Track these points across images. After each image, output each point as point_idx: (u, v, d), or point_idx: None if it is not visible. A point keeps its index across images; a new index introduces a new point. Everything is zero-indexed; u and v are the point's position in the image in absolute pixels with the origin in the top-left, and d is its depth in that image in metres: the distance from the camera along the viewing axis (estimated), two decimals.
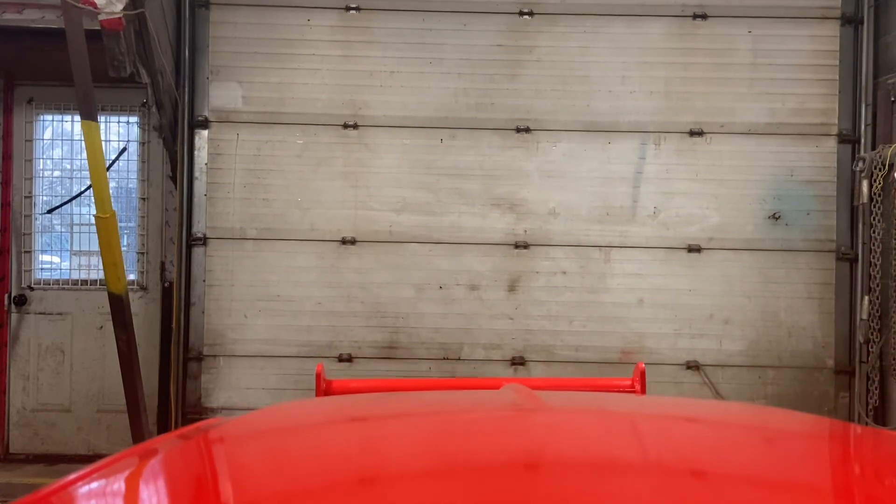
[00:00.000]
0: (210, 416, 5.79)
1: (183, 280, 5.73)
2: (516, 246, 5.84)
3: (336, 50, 5.82)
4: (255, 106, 5.80)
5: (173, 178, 5.82)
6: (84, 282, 6.18)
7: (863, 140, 5.75)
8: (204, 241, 5.79)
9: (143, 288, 6.08)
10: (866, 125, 5.73)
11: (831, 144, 5.82)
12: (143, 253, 6.10)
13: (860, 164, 5.61)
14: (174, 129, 5.70)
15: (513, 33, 5.84)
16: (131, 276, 6.00)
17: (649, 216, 5.85)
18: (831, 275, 5.81)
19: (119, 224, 4.83)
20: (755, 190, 5.84)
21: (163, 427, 5.77)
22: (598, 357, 5.83)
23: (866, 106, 5.72)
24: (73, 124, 6.19)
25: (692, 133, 5.81)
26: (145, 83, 5.32)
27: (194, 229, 5.79)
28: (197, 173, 5.79)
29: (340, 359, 5.79)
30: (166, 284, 5.91)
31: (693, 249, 5.83)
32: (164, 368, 5.86)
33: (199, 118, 5.79)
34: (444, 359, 5.83)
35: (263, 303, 5.82)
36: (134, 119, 6.17)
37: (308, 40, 5.81)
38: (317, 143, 5.82)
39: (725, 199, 5.84)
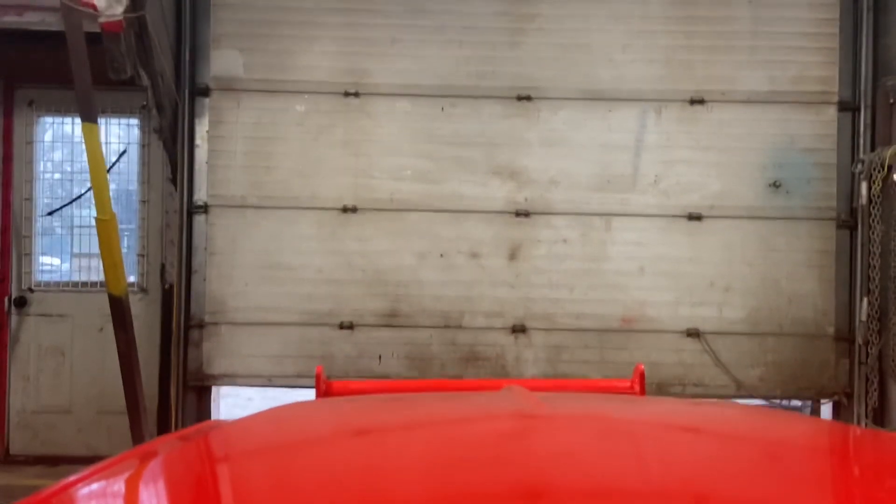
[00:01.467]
0: (212, 383, 5.81)
1: (184, 247, 5.74)
2: (517, 214, 5.85)
3: (337, 17, 5.83)
4: (256, 74, 5.81)
5: (173, 181, 5.80)
6: (84, 284, 6.15)
7: (862, 108, 5.76)
8: (205, 208, 5.80)
9: (144, 290, 6.06)
10: (866, 92, 5.74)
11: (831, 112, 5.83)
12: (143, 255, 6.09)
13: (859, 165, 5.61)
14: (174, 132, 5.69)
15: (514, 2, 5.85)
16: (131, 279, 5.99)
17: (650, 184, 5.86)
18: (832, 242, 5.83)
19: (119, 226, 4.84)
20: (756, 158, 5.85)
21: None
22: (598, 325, 5.84)
23: (866, 73, 5.73)
24: (73, 126, 6.17)
25: (693, 101, 5.82)
26: (145, 85, 5.32)
27: (195, 197, 5.80)
28: (198, 141, 5.80)
29: (341, 326, 5.79)
30: (166, 286, 5.89)
31: (694, 217, 5.84)
32: (165, 366, 5.85)
33: (201, 86, 5.79)
34: (446, 326, 5.84)
35: (265, 271, 5.82)
36: (134, 121, 6.16)
37: (309, 8, 5.82)
38: (318, 112, 5.83)
39: (726, 168, 5.85)
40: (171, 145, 5.73)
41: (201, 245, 5.81)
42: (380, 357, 5.81)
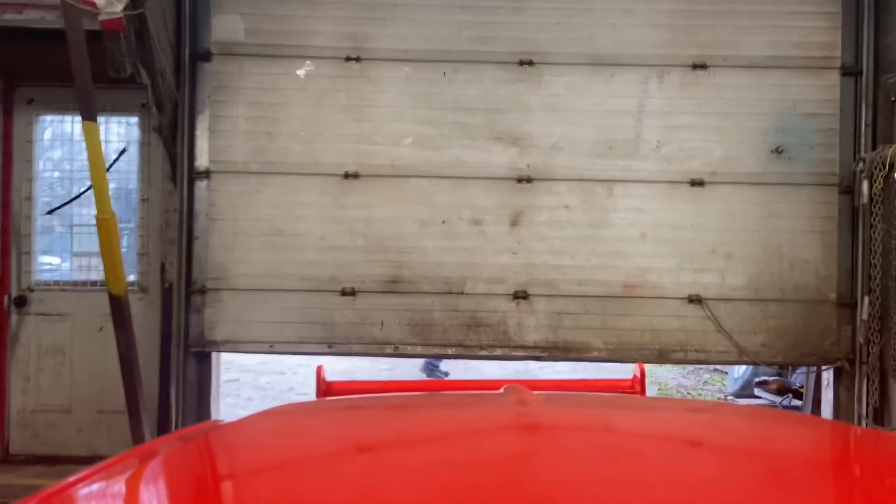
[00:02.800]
0: (214, 349, 5.81)
1: (185, 213, 5.72)
2: (519, 180, 5.84)
3: None
4: (257, 38, 5.78)
5: (173, 179, 5.78)
6: (84, 283, 6.11)
7: (865, 72, 5.74)
8: (207, 174, 5.78)
9: (144, 289, 6.02)
10: (869, 57, 5.73)
11: (834, 77, 5.81)
12: (143, 254, 6.05)
13: (860, 164, 5.59)
14: (174, 130, 5.67)
15: None
16: (131, 278, 5.97)
17: (652, 150, 5.85)
18: (834, 208, 5.82)
19: (119, 225, 4.82)
20: (758, 123, 5.83)
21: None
22: (600, 291, 5.84)
23: (868, 37, 5.71)
24: (73, 125, 6.13)
25: (695, 66, 5.81)
26: (145, 84, 5.30)
27: (197, 163, 5.79)
28: (199, 106, 5.78)
29: (343, 293, 5.79)
30: (166, 285, 5.86)
31: (696, 183, 5.83)
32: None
33: (202, 51, 5.77)
34: (448, 293, 5.83)
35: (267, 237, 5.81)
36: (134, 120, 6.12)
37: None
38: (319, 77, 5.81)
39: (728, 133, 5.84)
40: (171, 143, 5.70)
41: (203, 211, 5.80)
42: (382, 323, 5.81)
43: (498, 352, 5.85)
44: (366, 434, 1.73)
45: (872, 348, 5.52)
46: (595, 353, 5.85)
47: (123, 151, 6.09)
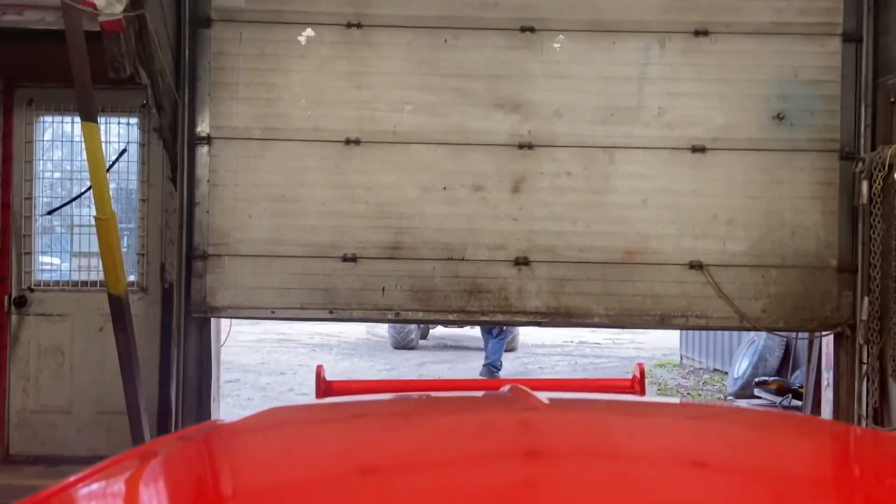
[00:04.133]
0: (215, 315, 5.81)
1: (185, 179, 5.72)
2: (520, 147, 5.84)
3: None
4: (258, 4, 5.77)
5: (173, 180, 5.76)
6: (84, 283, 6.13)
7: (865, 39, 5.74)
8: (207, 140, 5.78)
9: (144, 289, 6.02)
10: (869, 22, 5.72)
11: (836, 44, 5.80)
12: (143, 254, 6.06)
13: (860, 164, 5.58)
14: (174, 131, 5.65)
15: None
16: (131, 278, 5.96)
17: (654, 117, 5.84)
18: (835, 174, 5.82)
19: (119, 225, 4.86)
20: (760, 90, 5.83)
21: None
22: (602, 258, 5.84)
23: (868, 3, 5.70)
24: (73, 126, 6.15)
25: (697, 33, 5.80)
26: (145, 84, 5.29)
27: (198, 128, 5.78)
28: (200, 72, 5.77)
29: (345, 258, 5.79)
30: (166, 286, 5.86)
31: (697, 150, 5.83)
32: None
33: (202, 17, 5.76)
34: (449, 259, 5.84)
35: (268, 203, 5.81)
36: (134, 120, 6.13)
37: None
38: (320, 43, 5.80)
39: (730, 100, 5.83)
40: (170, 144, 5.68)
41: (204, 177, 5.79)
42: (383, 289, 5.81)
43: (499, 317, 5.86)
44: (366, 435, 1.74)
45: (872, 349, 5.49)
46: (596, 319, 5.86)
47: (124, 152, 6.10)
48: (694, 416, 2.02)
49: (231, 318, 6.04)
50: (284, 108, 5.80)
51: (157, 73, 5.30)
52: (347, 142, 5.80)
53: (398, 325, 15.33)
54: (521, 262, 5.82)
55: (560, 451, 1.48)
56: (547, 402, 1.91)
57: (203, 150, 5.78)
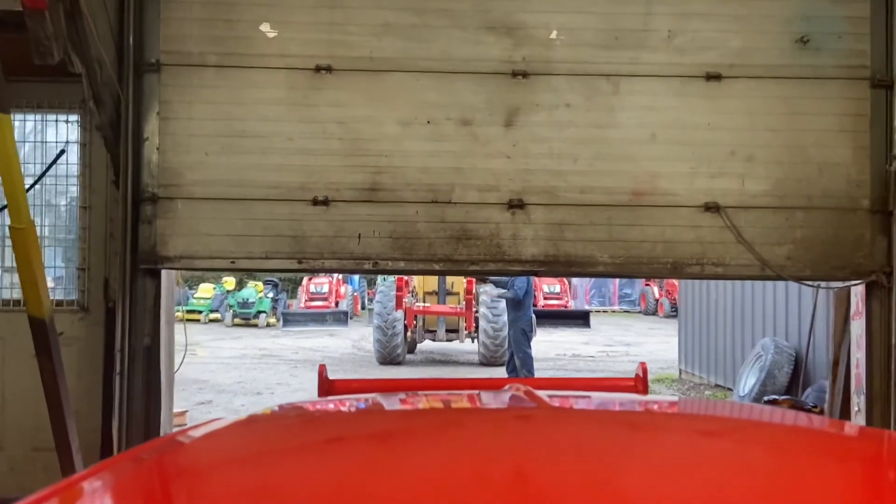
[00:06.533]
0: (167, 266, 5.09)
1: (131, 111, 4.98)
2: (514, 75, 5.17)
3: None
4: None
5: (116, 183, 5.00)
6: (17, 302, 5.23)
7: None
8: (157, 66, 5.05)
9: (85, 309, 5.21)
10: None
11: None
12: (84, 269, 5.23)
13: (894, 163, 5.01)
14: (116, 129, 4.92)
15: None
16: (71, 296, 5.23)
17: (663, 41, 5.20)
18: (865, 105, 5.20)
19: (58, 236, 4.06)
20: (780, 10, 5.20)
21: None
22: (605, 199, 5.18)
23: None
24: None
25: None
26: (79, 73, 4.56)
27: (146, 54, 5.05)
28: None
29: (315, 202, 5.09)
30: (111, 305, 5.09)
31: (712, 77, 5.19)
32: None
33: None
34: (433, 202, 5.15)
35: (227, 139, 5.10)
36: (74, 117, 5.31)
37: None
38: None
39: (748, 21, 5.20)
40: (112, 143, 4.94)
41: (152, 109, 5.06)
42: (359, 236, 5.12)
43: (491, 266, 5.18)
44: (366, 434, 1.72)
45: None
46: (601, 268, 5.19)
47: (62, 153, 5.26)
48: (698, 414, 2.02)
49: (185, 269, 5.32)
50: (245, 30, 5.09)
51: (94, 61, 4.58)
52: (317, 69, 5.10)
53: (383, 339, 14.76)
54: (516, 204, 5.15)
55: (563, 449, 1.47)
56: (550, 400, 1.90)
57: (152, 79, 5.05)
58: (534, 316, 11.86)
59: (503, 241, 5.15)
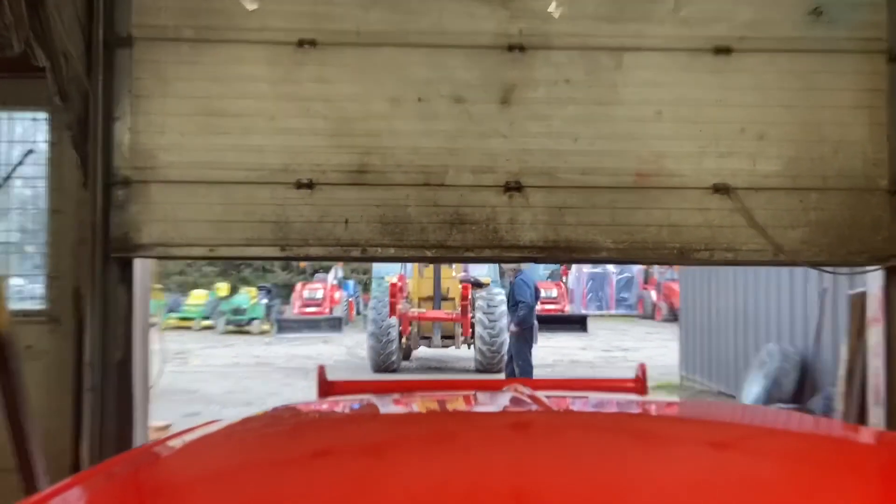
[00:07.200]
0: (141, 254, 4.76)
1: (101, 89, 4.66)
2: (510, 49, 4.87)
3: None
4: None
5: (85, 185, 4.66)
6: None
7: None
8: (129, 41, 4.73)
9: (54, 320, 4.81)
10: None
11: None
12: (54, 277, 4.84)
13: None
14: (85, 126, 4.60)
15: None
16: (39, 305, 4.85)
17: (669, 12, 4.91)
18: (883, 79, 4.91)
19: (26, 243, 3.75)
20: None
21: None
22: (608, 181, 4.87)
23: None
24: None
25: None
26: (43, 66, 4.25)
27: (117, 27, 4.73)
28: None
29: (299, 185, 4.77)
30: (82, 314, 4.73)
31: (721, 51, 4.89)
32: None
33: None
34: (425, 184, 4.83)
35: (204, 118, 4.78)
36: (43, 115, 4.93)
37: None
38: None
39: None
40: (80, 143, 4.61)
41: (124, 86, 4.74)
42: (346, 221, 4.79)
43: (487, 253, 4.85)
44: (365, 434, 1.73)
45: None
46: (604, 254, 4.87)
47: (29, 153, 4.92)
48: (697, 414, 2.01)
49: (160, 257, 4.98)
50: (223, 2, 4.79)
51: (60, 54, 4.27)
52: (301, 43, 4.79)
53: (378, 346, 14.44)
54: (513, 187, 4.83)
55: (561, 450, 1.45)
56: (549, 401, 1.89)
57: (124, 54, 4.73)
58: (536, 322, 11.54)
59: (500, 226, 4.83)
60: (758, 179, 4.88)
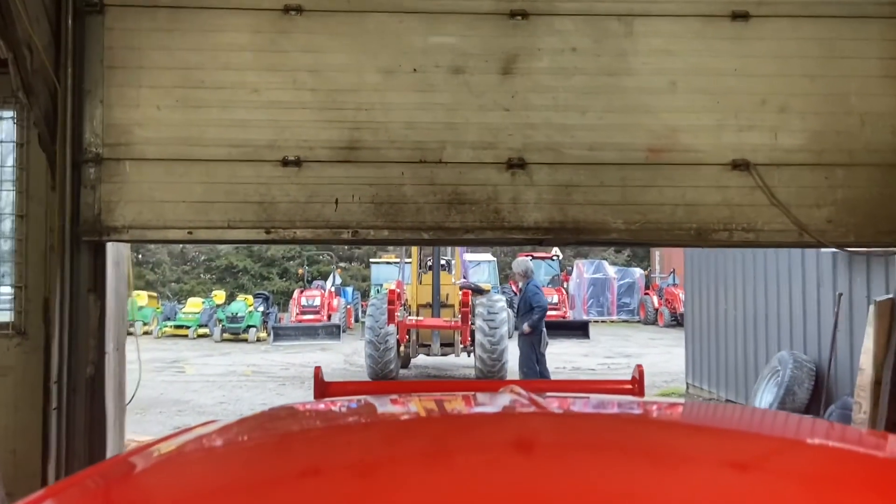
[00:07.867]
0: (113, 238, 4.39)
1: (70, 60, 4.31)
2: (512, 15, 4.54)
3: None
4: None
5: (54, 187, 4.33)
6: None
7: None
8: (100, 7, 4.39)
9: (21, 333, 4.47)
10: None
11: None
12: (21, 287, 4.48)
13: None
14: (52, 124, 4.27)
15: None
16: (5, 317, 4.51)
17: None
18: None
19: None
20: None
21: None
22: (618, 158, 4.52)
23: None
24: None
25: None
26: (5, 59, 3.96)
27: None
28: None
29: (285, 162, 4.42)
30: (51, 328, 4.40)
31: (738, 16, 4.56)
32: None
33: None
34: (421, 161, 4.48)
35: (183, 91, 4.44)
36: (8, 113, 4.56)
37: None
38: None
39: None
40: (48, 141, 4.28)
41: (95, 56, 4.40)
42: (336, 201, 4.44)
43: (488, 235, 4.49)
44: (363, 435, 1.73)
45: None
46: (614, 235, 4.51)
47: None
48: (695, 416, 2.03)
49: (135, 241, 4.61)
50: None
51: (23, 45, 3.93)
52: (286, 9, 4.46)
53: (375, 354, 14.08)
54: (516, 164, 4.48)
55: (558, 451, 1.45)
56: (546, 402, 1.91)
57: (95, 21, 4.39)
58: (545, 329, 11.16)
59: (502, 206, 4.47)
60: (780, 155, 4.53)
